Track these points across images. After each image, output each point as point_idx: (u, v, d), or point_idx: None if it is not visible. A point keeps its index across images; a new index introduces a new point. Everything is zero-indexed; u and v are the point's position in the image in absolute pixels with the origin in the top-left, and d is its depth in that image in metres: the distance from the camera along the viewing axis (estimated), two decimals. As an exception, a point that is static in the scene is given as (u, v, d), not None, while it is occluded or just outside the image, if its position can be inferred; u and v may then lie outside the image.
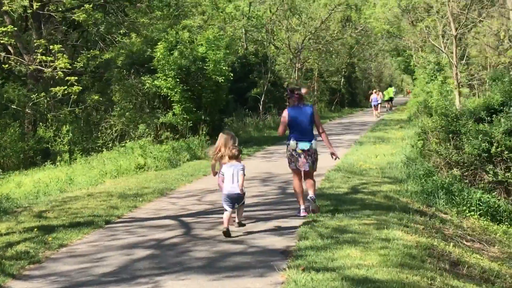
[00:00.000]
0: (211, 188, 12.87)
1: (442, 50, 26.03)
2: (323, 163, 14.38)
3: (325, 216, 9.24)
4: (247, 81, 34.93)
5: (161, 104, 22.23)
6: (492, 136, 13.94)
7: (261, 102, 34.17)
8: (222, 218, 8.73)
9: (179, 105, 21.32)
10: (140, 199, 11.70)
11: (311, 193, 9.30)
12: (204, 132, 21.34)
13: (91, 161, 18.96)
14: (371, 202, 10.50)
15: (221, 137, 9.15)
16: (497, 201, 12.51)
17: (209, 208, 10.78)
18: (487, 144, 13.87)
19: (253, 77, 35.57)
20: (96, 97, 22.46)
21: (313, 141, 9.35)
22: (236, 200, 8.56)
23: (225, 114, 24.75)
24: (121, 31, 25.72)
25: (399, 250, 7.22)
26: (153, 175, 15.45)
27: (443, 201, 11.93)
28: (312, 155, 9.37)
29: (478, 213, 11.86)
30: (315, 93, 46.72)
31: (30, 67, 21.30)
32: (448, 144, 14.50)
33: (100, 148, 21.92)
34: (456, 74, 21.84)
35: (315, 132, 9.48)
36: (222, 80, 21.85)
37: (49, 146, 21.64)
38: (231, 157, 8.71)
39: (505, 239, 10.83)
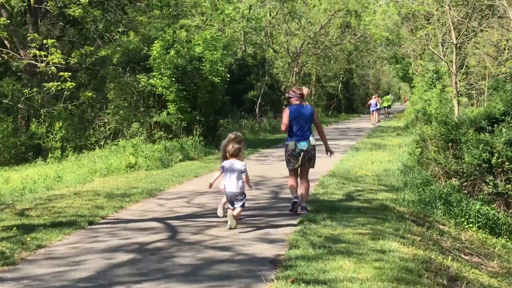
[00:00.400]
0: (201, 190, 12.65)
1: (441, 58, 25.68)
2: (318, 168, 14.15)
3: (318, 224, 8.91)
4: (244, 83, 34.86)
5: (155, 103, 22.07)
6: (493, 146, 13.66)
7: (258, 105, 34.09)
8: (209, 222, 8.99)
9: (173, 105, 21.16)
10: (127, 200, 11.39)
11: (304, 202, 9.59)
12: (198, 133, 21.33)
13: (82, 159, 18.77)
14: (366, 210, 10.21)
15: (227, 137, 9.32)
16: (496, 213, 12.18)
17: (198, 211, 10.46)
18: (487, 154, 13.59)
19: (250, 80, 35.53)
20: (90, 94, 22.14)
21: (310, 137, 9.65)
22: (235, 199, 8.68)
23: (220, 115, 24.56)
24: (120, 29, 25.44)
25: (395, 263, 6.86)
26: (143, 175, 15.20)
27: (441, 212, 11.68)
28: (310, 151, 9.66)
29: (476, 225, 11.53)
30: (313, 97, 46.40)
31: (23, 61, 20.82)
32: (447, 152, 14.27)
33: (92, 146, 21.84)
34: (456, 82, 21.47)
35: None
36: (218, 80, 21.67)
37: (41, 142, 21.33)
38: (230, 155, 8.78)
39: (504, 253, 10.48)
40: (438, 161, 14.24)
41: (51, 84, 20.53)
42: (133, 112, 22.38)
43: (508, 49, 26.56)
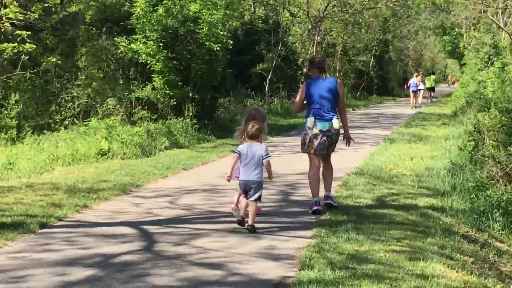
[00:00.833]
0: (190, 186, 12.63)
1: (503, 29, 25.20)
2: (341, 164, 14.39)
3: (339, 236, 8.67)
4: (252, 53, 34.90)
5: (138, 74, 22.13)
6: None
7: (268, 81, 33.95)
8: (197, 229, 8.94)
9: (160, 77, 21.17)
10: (94, 196, 11.24)
11: (326, 190, 10.27)
12: (191, 114, 21.35)
13: (42, 142, 18.70)
14: (402, 220, 10.05)
15: (246, 114, 9.82)
16: None
17: (183, 214, 10.28)
18: None
19: (259, 49, 35.53)
20: (54, 59, 22.03)
21: (334, 120, 10.11)
22: (250, 189, 9.00)
23: (219, 93, 24.62)
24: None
25: None
26: (117, 165, 15.12)
27: (499, 225, 11.54)
28: (332, 136, 10.19)
29: None
30: (337, 74, 46.09)
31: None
32: (510, 148, 14.24)
33: (56, 126, 21.80)
34: (520, 59, 21.15)
35: None
36: (218, 48, 21.66)
37: (-8, 119, 21.22)
38: (250, 137, 9.12)
39: None
40: (497, 160, 14.18)
41: (6, 45, 20.26)
42: (109, 84, 22.39)
43: None
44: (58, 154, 16.01)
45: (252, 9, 37.67)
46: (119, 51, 21.48)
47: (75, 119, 21.97)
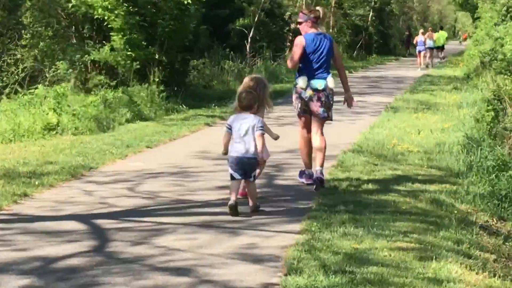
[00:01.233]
0: (154, 169, 12.51)
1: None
2: (335, 139, 14.36)
3: (334, 231, 8.53)
4: (230, 6, 34.83)
5: (93, 32, 22.13)
6: None
7: (249, 40, 33.84)
8: (162, 224, 8.85)
9: (120, 36, 21.05)
10: (37, 182, 11.03)
11: (318, 166, 10.61)
12: (157, 80, 21.26)
13: None
14: (410, 209, 9.96)
15: (243, 83, 10.12)
16: None
17: (145, 204, 10.17)
18: None
19: (239, 2, 35.45)
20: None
21: (329, 78, 10.63)
22: (248, 167, 9.29)
23: (192, 54, 24.70)
24: None
25: None
26: (67, 142, 14.97)
27: None
28: (328, 96, 10.69)
29: None
30: (331, 31, 45.91)
31: None
32: None
33: None
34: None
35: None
36: (189, 1, 21.48)
37: None
38: (242, 107, 9.44)
39: None
40: None
41: None
42: (59, 45, 22.34)
43: None
44: (-4, 129, 15.95)
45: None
46: (71, 4, 21.25)
47: (18, 86, 21.61)
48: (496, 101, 15.69)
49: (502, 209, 11.35)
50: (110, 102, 18.91)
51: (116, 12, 20.68)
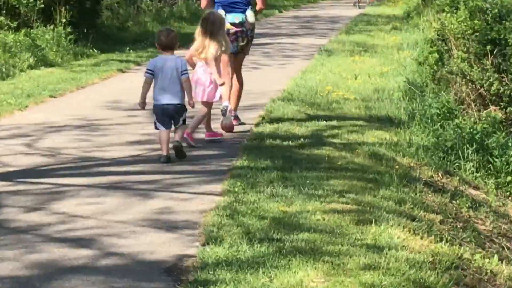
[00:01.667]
0: (58, 122, 12.40)
1: None
2: (263, 85, 14.53)
3: (260, 191, 8.46)
4: None
5: None
6: None
7: None
8: (62, 185, 8.73)
9: None
10: None
11: (229, 103, 10.87)
12: (64, 21, 20.89)
13: None
14: (346, 165, 9.98)
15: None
16: None
17: (44, 163, 10.00)
18: None
19: None
20: None
21: (248, 12, 10.95)
22: (175, 115, 9.57)
23: None
24: None
25: (401, 275, 6.38)
26: None
27: (473, 166, 11.60)
28: (247, 32, 11.11)
29: None
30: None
31: None
32: (485, 62, 14.12)
33: None
34: None
35: None
36: None
37: None
38: (163, 47, 9.68)
39: None
40: (468, 77, 14.19)
41: None
42: None
43: None
44: None
45: None
46: None
47: None
48: (440, 41, 15.79)
49: (448, 163, 11.49)
50: (10, 46, 18.55)
51: None
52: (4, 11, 20.69)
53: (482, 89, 14.17)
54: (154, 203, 8.18)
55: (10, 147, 10.71)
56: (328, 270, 6.28)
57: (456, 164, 11.57)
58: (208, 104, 10.60)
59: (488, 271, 7.49)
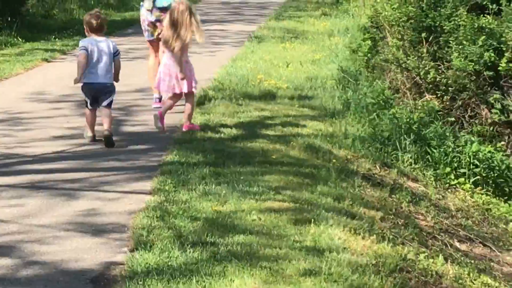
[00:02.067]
0: None
1: None
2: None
3: (191, 189, 8.29)
4: None
5: None
6: (503, 38, 13.42)
7: None
8: None
9: None
10: None
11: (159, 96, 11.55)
12: None
13: None
14: (281, 158, 9.88)
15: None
16: (505, 158, 12.23)
17: None
18: (491, 54, 13.32)
19: None
20: None
21: None
22: (102, 94, 9.83)
23: None
24: None
25: (343, 280, 6.30)
26: None
27: (411, 157, 11.68)
28: None
29: (472, 179, 11.68)
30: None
31: None
32: (421, 49, 14.35)
33: None
34: None
35: None
36: None
37: None
38: (95, 30, 9.81)
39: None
40: (403, 65, 14.32)
41: None
42: None
43: None
44: None
45: None
46: None
47: None
48: (374, 29, 15.87)
49: (385, 154, 11.55)
50: None
51: None
52: None
53: (418, 78, 14.33)
54: (80, 204, 7.92)
55: None
56: (266, 277, 6.12)
57: (394, 155, 11.66)
58: (180, 96, 10.76)
59: (434, 272, 7.49)
